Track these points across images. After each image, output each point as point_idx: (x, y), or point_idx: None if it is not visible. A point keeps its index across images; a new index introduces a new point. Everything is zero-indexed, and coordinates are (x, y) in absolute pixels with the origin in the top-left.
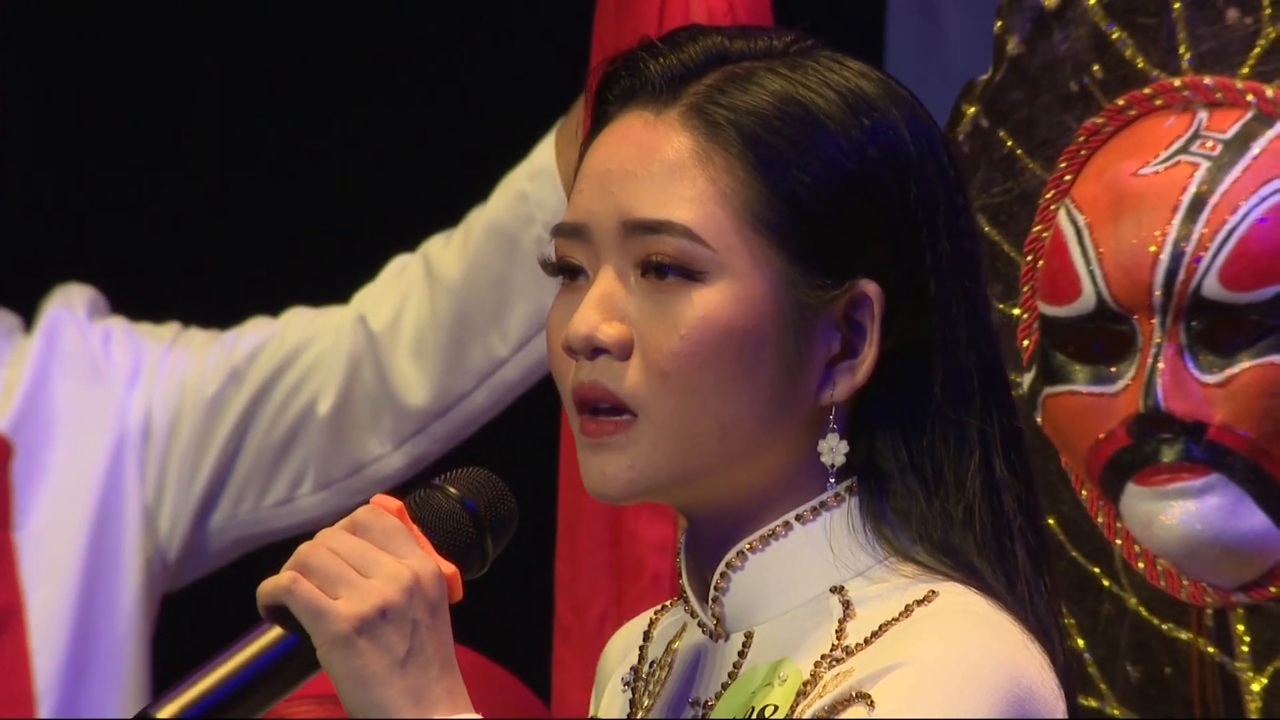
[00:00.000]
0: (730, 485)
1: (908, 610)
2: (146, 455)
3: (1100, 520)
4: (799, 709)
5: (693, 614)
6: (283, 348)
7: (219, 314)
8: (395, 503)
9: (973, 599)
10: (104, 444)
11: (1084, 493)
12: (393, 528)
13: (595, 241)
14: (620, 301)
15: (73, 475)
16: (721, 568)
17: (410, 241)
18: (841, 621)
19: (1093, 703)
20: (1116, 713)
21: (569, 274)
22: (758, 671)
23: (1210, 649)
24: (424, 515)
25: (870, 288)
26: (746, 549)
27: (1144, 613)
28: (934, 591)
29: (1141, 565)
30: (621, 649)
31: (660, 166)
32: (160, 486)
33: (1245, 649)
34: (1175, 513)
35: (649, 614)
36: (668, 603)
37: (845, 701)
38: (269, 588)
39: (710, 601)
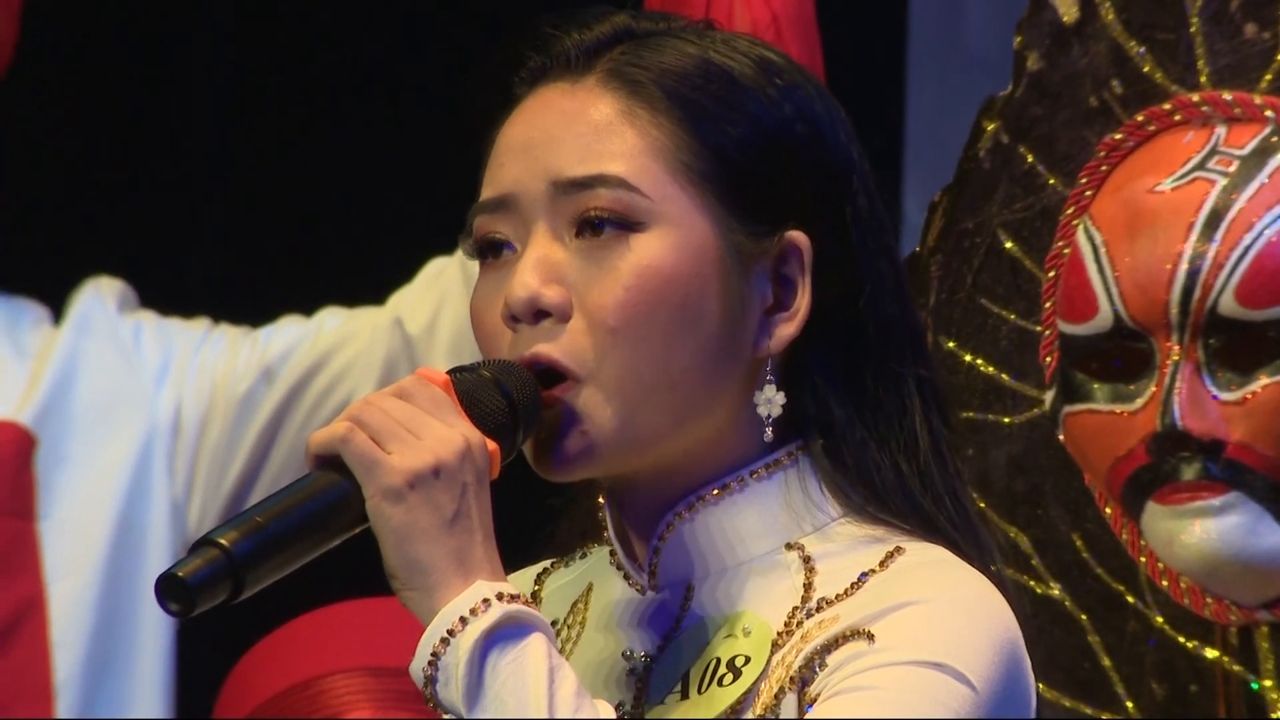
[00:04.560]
0: (674, 445)
1: (885, 562)
2: (175, 450)
3: (1124, 538)
4: (776, 659)
5: (619, 566)
6: (317, 347)
7: (249, 311)
8: (442, 376)
9: (942, 552)
10: (132, 438)
11: (1108, 511)
12: (440, 398)
13: (523, 210)
14: (557, 264)
15: (98, 468)
16: (670, 518)
17: (447, 243)
18: (808, 574)
19: None
20: None
21: (493, 252)
22: (709, 624)
23: (1235, 667)
24: (464, 392)
25: (800, 238)
26: (698, 502)
27: (1169, 630)
28: (900, 548)
29: (1165, 583)
30: None
31: (586, 127)
32: (189, 482)
33: (1270, 667)
34: (1195, 531)
35: (529, 573)
36: (548, 563)
37: (840, 640)
38: (323, 437)
39: (651, 552)
